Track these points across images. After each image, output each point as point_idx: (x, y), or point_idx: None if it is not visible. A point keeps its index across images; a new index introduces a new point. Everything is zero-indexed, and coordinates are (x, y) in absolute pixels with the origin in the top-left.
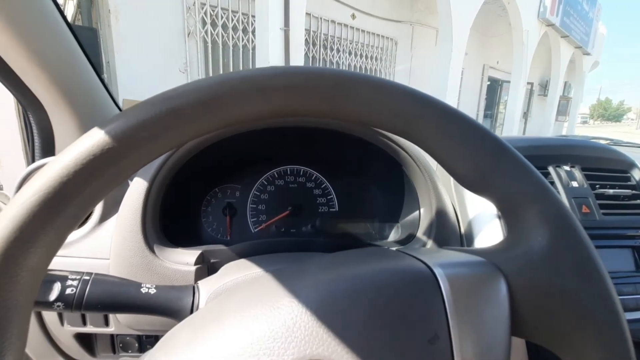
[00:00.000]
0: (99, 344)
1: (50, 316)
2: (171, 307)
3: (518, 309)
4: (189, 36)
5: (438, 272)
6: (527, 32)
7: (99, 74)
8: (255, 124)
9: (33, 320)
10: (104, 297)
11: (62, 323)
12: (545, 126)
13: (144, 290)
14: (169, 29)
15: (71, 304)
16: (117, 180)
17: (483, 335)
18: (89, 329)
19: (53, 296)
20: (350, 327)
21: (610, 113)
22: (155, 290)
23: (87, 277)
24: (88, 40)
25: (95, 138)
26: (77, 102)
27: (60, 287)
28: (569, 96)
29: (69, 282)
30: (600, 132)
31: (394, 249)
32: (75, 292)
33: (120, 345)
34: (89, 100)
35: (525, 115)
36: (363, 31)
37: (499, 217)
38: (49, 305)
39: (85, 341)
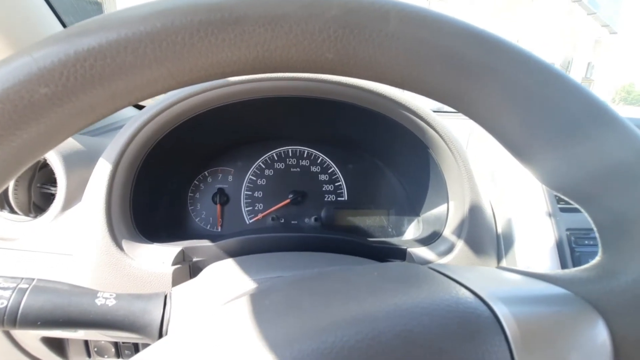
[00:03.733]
0: (71, 348)
1: None
2: (134, 323)
3: None
4: None
5: (500, 310)
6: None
7: None
8: (246, 93)
9: None
10: (45, 311)
11: None
12: None
13: (99, 301)
14: None
15: (1, 320)
16: (12, 167)
17: None
18: (55, 332)
19: None
20: None
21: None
22: (115, 301)
23: (25, 286)
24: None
25: None
26: None
27: None
28: (591, 78)
29: None
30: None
31: (419, 253)
32: (7, 305)
33: (95, 349)
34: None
35: None
36: None
37: (550, 215)
38: None
39: (55, 345)
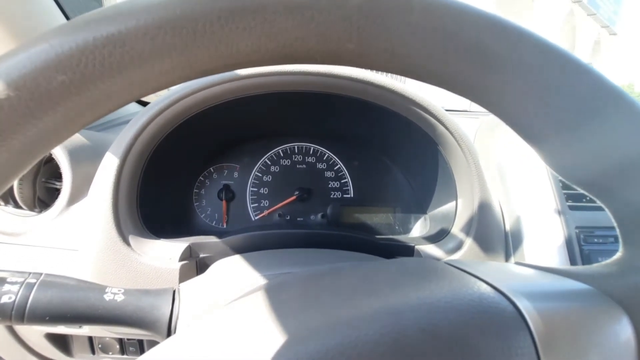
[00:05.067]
0: (75, 344)
1: None
2: (143, 319)
3: None
4: None
5: (523, 305)
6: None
7: None
8: (252, 88)
9: None
10: (53, 306)
11: None
12: None
13: (108, 296)
14: None
15: (9, 315)
16: (28, 156)
17: None
18: (59, 329)
19: None
20: None
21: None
22: (123, 297)
23: (33, 280)
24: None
25: None
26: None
27: None
28: None
29: (7, 287)
30: None
31: (428, 250)
32: (15, 300)
33: (100, 346)
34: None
35: None
36: None
37: (559, 213)
38: None
39: (60, 341)
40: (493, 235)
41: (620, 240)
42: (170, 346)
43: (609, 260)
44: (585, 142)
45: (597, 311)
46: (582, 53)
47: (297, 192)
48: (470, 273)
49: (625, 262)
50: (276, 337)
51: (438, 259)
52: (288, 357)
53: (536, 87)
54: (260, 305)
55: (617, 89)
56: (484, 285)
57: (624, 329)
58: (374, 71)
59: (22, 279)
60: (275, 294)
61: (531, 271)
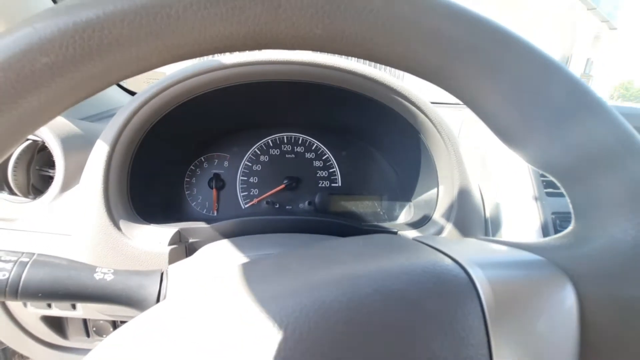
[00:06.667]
0: (70, 327)
1: None
2: (131, 296)
3: (590, 330)
4: None
5: (476, 273)
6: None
7: None
8: (240, 77)
9: None
10: (45, 284)
11: (25, 305)
12: None
13: (98, 275)
14: None
15: (3, 291)
16: (14, 136)
17: None
18: (54, 311)
19: None
20: (346, 354)
21: (631, 94)
22: (112, 277)
23: (26, 259)
24: None
25: None
26: None
27: None
28: (590, 74)
29: (1, 265)
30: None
31: (409, 235)
32: (8, 277)
33: (94, 329)
34: None
35: None
36: None
37: (536, 199)
38: None
39: (55, 324)
40: (473, 220)
41: (572, 216)
42: (153, 313)
43: (560, 234)
44: (550, 135)
45: (545, 280)
46: (581, 47)
47: (286, 181)
48: (432, 246)
49: (574, 234)
50: (246, 301)
51: None
52: (259, 316)
53: (498, 78)
54: (237, 275)
55: (584, 86)
56: (441, 256)
57: (568, 295)
58: (347, 57)
59: (15, 258)
60: (250, 266)
61: (490, 244)
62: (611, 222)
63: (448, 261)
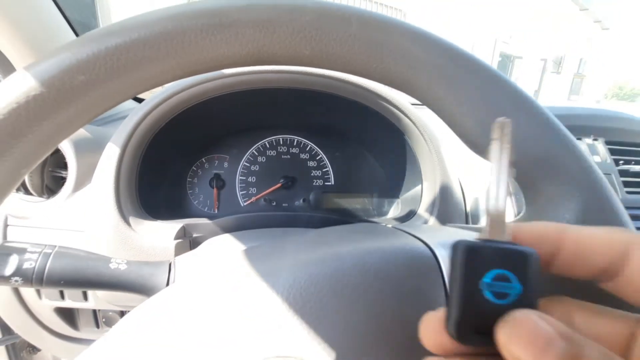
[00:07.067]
0: (81, 319)
1: (27, 290)
2: (143, 284)
3: None
4: None
5: (440, 253)
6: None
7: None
8: (239, 84)
9: (11, 294)
10: (67, 272)
11: (40, 297)
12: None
13: (113, 265)
14: None
15: (30, 279)
16: (55, 138)
17: None
18: (67, 303)
19: (10, 270)
20: (328, 319)
21: (625, 93)
22: (126, 266)
23: (49, 251)
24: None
25: (17, 84)
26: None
27: (18, 261)
28: (583, 74)
29: (28, 256)
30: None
31: (389, 225)
32: (35, 266)
33: (104, 320)
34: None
35: (536, 93)
36: (371, 1)
37: (511, 194)
38: (6, 280)
39: (67, 315)
40: (454, 215)
41: (524, 202)
42: (162, 295)
43: (515, 218)
44: (484, 115)
45: None
46: (574, 47)
47: (282, 180)
48: (406, 231)
49: (524, 218)
50: (250, 275)
51: None
52: (258, 287)
53: (451, 88)
54: (238, 257)
55: (523, 94)
56: (413, 239)
57: None
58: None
59: (39, 250)
60: (252, 250)
61: (457, 230)
62: (554, 211)
63: (418, 243)
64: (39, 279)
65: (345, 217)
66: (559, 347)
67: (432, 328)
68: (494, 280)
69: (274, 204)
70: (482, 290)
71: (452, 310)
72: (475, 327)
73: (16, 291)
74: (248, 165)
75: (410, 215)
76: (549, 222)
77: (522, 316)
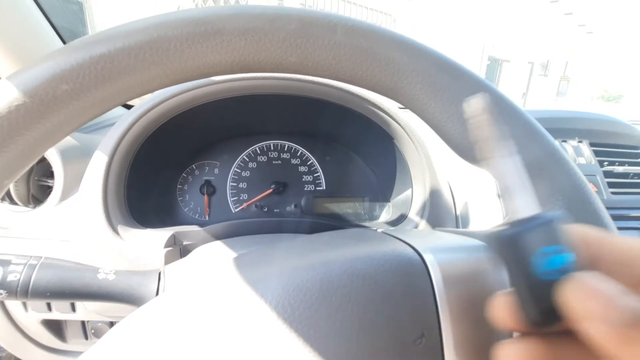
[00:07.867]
0: (69, 330)
1: (13, 302)
2: (132, 294)
3: None
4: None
5: (428, 258)
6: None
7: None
8: (228, 91)
9: None
10: (53, 284)
11: (26, 309)
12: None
13: (101, 275)
14: None
15: (15, 291)
16: (38, 148)
17: (480, 334)
18: (55, 315)
19: None
20: (318, 325)
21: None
22: (114, 276)
23: (35, 262)
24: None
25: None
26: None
27: (2, 273)
28: (568, 77)
29: (12, 268)
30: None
31: (379, 230)
32: (20, 278)
33: (92, 331)
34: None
35: (524, 95)
36: (361, 6)
37: (499, 197)
38: None
39: (54, 327)
40: (444, 218)
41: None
42: (151, 305)
43: (499, 223)
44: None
45: (482, 260)
46: (560, 51)
47: (273, 186)
48: (394, 236)
49: (508, 222)
50: (240, 282)
51: None
52: (247, 294)
53: (434, 93)
54: (229, 264)
55: (511, 104)
56: (401, 243)
57: (503, 273)
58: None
59: (24, 261)
60: (242, 257)
61: (445, 234)
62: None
63: (406, 248)
64: (24, 292)
65: (337, 222)
66: (625, 300)
67: (506, 311)
68: (548, 257)
69: (266, 209)
70: (542, 273)
71: (525, 302)
72: (549, 309)
73: (1, 304)
74: (239, 171)
75: (401, 219)
76: (588, 227)
77: (585, 277)
